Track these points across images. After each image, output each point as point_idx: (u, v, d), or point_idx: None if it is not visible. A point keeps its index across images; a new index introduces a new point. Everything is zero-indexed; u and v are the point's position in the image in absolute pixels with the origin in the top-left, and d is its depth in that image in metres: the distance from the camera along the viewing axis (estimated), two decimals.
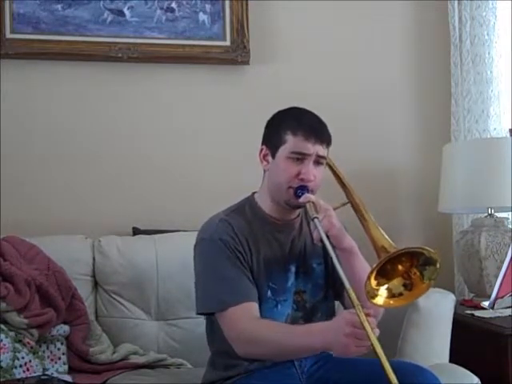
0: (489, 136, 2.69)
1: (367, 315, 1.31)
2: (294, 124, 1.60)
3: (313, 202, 1.56)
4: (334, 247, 1.50)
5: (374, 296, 1.42)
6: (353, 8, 2.70)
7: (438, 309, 2.00)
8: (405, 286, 1.45)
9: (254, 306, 1.56)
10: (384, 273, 1.42)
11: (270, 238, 1.65)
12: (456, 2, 2.70)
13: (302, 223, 1.72)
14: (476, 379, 1.86)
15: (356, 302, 1.33)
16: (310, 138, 1.58)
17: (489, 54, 2.70)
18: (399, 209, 2.75)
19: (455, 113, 2.70)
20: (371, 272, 1.39)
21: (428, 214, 2.74)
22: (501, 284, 1.84)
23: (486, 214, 2.52)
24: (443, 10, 2.74)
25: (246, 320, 1.52)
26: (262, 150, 1.68)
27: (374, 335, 1.29)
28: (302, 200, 1.58)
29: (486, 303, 2.05)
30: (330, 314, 1.74)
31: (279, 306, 1.64)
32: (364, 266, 1.57)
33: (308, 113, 1.66)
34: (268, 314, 1.61)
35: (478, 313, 2.23)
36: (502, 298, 1.88)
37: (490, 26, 2.71)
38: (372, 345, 1.28)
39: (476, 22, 2.69)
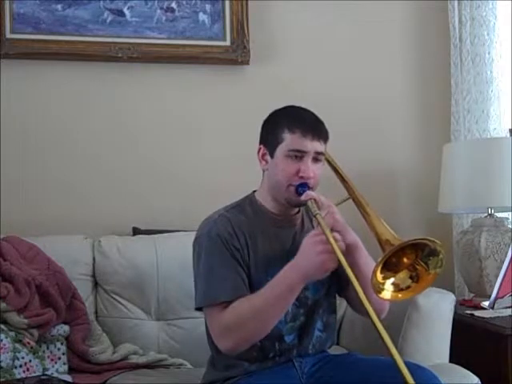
0: (489, 136, 2.69)
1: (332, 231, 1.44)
2: (290, 122, 1.60)
3: (314, 199, 1.56)
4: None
5: (381, 290, 1.42)
6: (353, 8, 2.70)
7: (437, 309, 1.99)
8: (411, 277, 1.45)
9: None
10: (389, 266, 1.43)
11: (270, 234, 1.65)
12: (456, 2, 2.70)
13: (304, 220, 1.72)
14: (476, 379, 1.86)
15: (322, 225, 1.46)
16: (307, 135, 1.58)
17: (489, 54, 2.71)
18: (399, 209, 2.75)
19: (455, 113, 2.70)
20: (377, 266, 1.39)
21: (428, 214, 2.74)
22: (501, 284, 1.85)
23: (486, 214, 2.52)
24: (443, 10, 2.74)
25: (223, 315, 1.52)
26: (260, 149, 1.68)
27: (338, 247, 1.41)
28: (303, 197, 1.58)
29: (485, 303, 2.06)
30: (332, 311, 1.74)
31: None
32: (368, 261, 1.57)
33: (304, 110, 1.66)
34: None
35: (477, 313, 2.23)
36: (502, 297, 1.88)
37: (490, 26, 2.71)
38: (337, 257, 1.39)
39: (476, 22, 2.70)
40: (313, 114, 1.65)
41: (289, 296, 1.51)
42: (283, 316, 1.62)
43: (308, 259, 1.46)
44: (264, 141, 1.67)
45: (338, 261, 1.41)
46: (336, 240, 1.43)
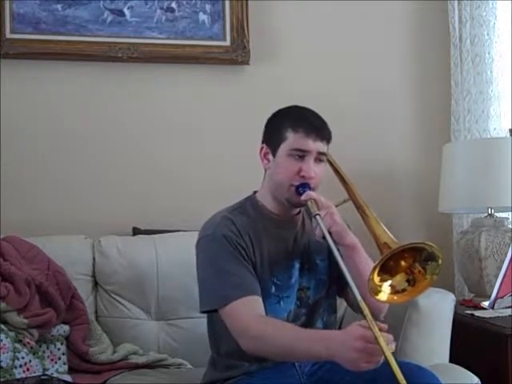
0: (489, 136, 2.69)
1: (381, 329, 1.28)
2: (294, 121, 1.61)
3: (314, 200, 1.57)
4: (336, 244, 1.50)
5: (378, 292, 1.42)
6: (353, 8, 2.70)
7: (437, 309, 1.99)
8: (408, 281, 1.45)
9: (258, 301, 1.55)
10: (387, 269, 1.43)
11: (272, 235, 1.65)
12: (456, 2, 2.70)
13: (305, 220, 1.72)
14: (476, 379, 1.86)
15: (369, 316, 1.30)
16: (310, 135, 1.59)
17: (489, 53, 2.70)
18: (399, 209, 2.75)
19: (455, 113, 2.70)
20: (374, 268, 1.39)
21: (428, 214, 2.74)
22: (501, 284, 1.84)
23: (486, 214, 2.52)
24: (443, 10, 2.74)
25: (250, 315, 1.51)
26: (262, 148, 1.68)
27: (388, 351, 1.25)
28: (303, 197, 1.58)
29: (486, 303, 2.06)
30: (332, 311, 1.75)
31: (282, 303, 1.64)
32: (367, 263, 1.58)
33: (308, 110, 1.66)
34: (271, 310, 1.60)
35: (477, 313, 2.23)
36: (502, 298, 1.88)
37: (490, 26, 2.71)
38: (387, 360, 1.25)
39: (476, 22, 2.69)
40: (316, 114, 1.66)
41: (310, 358, 1.53)
42: (285, 316, 1.64)
43: (344, 348, 1.34)
44: (266, 140, 1.67)
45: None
46: (387, 342, 1.27)
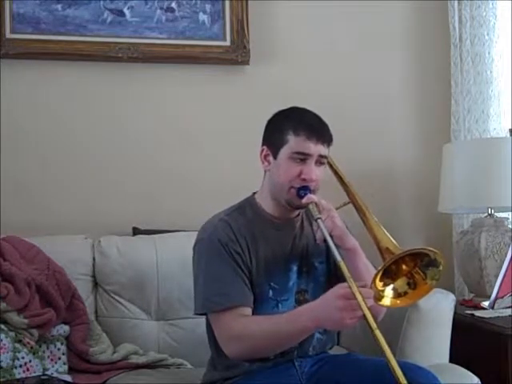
0: (489, 136, 2.69)
1: (362, 286, 1.36)
2: (295, 124, 1.60)
3: (315, 203, 1.56)
4: (337, 247, 1.50)
5: (381, 298, 1.42)
6: (353, 8, 2.70)
7: (438, 309, 1.99)
8: (408, 284, 1.45)
9: (246, 311, 1.57)
10: (388, 273, 1.43)
11: (270, 238, 1.65)
12: (456, 2, 2.70)
13: (303, 222, 1.72)
14: (476, 379, 1.86)
15: (347, 274, 1.38)
16: (311, 138, 1.58)
17: (489, 53, 2.71)
18: (399, 209, 2.75)
19: (455, 113, 2.70)
20: (376, 275, 1.39)
21: (428, 214, 2.74)
22: (501, 284, 1.85)
23: (486, 214, 2.52)
24: (443, 10, 2.74)
25: (235, 323, 1.53)
26: (262, 150, 1.67)
27: (365, 304, 1.32)
28: (304, 201, 1.58)
29: (486, 303, 2.06)
30: None
31: (280, 306, 1.64)
32: (367, 266, 1.58)
33: (309, 113, 1.66)
34: (268, 314, 1.60)
35: (478, 313, 2.23)
36: (502, 298, 1.88)
37: (490, 26, 2.71)
38: (364, 314, 1.32)
39: (476, 22, 2.70)
40: (318, 116, 1.65)
41: (299, 336, 1.52)
42: None
43: (327, 312, 1.41)
44: (267, 141, 1.67)
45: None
46: (364, 297, 1.35)
